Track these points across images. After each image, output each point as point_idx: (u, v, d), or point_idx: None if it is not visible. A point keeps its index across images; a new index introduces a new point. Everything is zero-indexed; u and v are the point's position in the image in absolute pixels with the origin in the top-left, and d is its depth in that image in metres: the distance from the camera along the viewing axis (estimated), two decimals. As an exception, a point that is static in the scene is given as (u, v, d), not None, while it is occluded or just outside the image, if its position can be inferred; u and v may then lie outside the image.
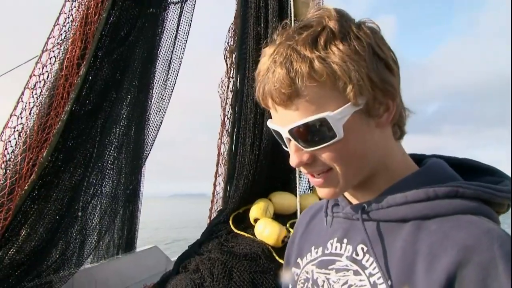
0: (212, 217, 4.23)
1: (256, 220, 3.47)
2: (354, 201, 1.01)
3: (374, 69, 0.87)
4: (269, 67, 0.88)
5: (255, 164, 3.64)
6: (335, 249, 1.00)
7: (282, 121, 0.90)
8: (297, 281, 1.09)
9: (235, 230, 3.43)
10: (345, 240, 0.99)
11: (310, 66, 0.84)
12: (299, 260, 1.12)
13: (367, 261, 0.92)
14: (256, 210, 3.49)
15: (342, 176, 0.92)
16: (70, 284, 3.66)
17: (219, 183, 4.54)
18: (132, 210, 4.99)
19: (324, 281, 0.98)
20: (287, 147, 0.95)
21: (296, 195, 3.44)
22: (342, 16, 0.89)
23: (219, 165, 4.59)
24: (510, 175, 0.98)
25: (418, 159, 1.02)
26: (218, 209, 4.31)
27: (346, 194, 1.03)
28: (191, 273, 3.09)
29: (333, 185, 0.93)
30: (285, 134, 0.90)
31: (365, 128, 0.90)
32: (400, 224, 0.91)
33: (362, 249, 0.94)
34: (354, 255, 0.95)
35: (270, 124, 0.97)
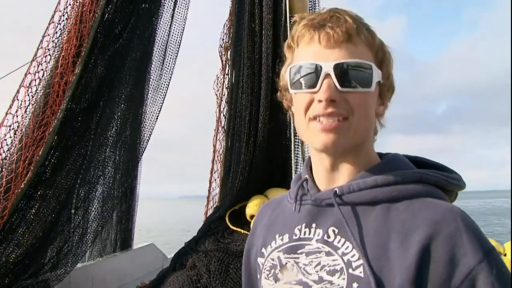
0: (208, 214, 4.24)
1: (252, 217, 3.47)
2: (325, 188, 1.07)
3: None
4: (334, 15, 0.99)
5: (251, 161, 3.65)
6: (304, 234, 1.05)
7: (328, 57, 0.97)
8: (262, 270, 1.13)
9: (231, 227, 3.44)
10: (313, 225, 1.04)
11: (368, 31, 1.00)
12: (263, 249, 1.16)
13: (338, 242, 0.98)
14: (252, 206, 3.50)
15: (354, 129, 0.98)
16: (66, 282, 3.67)
17: (215, 180, 4.55)
18: (128, 207, 5.00)
19: (293, 265, 1.03)
20: (312, 87, 0.98)
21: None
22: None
23: (214, 162, 4.59)
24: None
25: (378, 155, 1.12)
26: (214, 205, 4.32)
27: (318, 181, 1.09)
28: (188, 270, 3.10)
29: (342, 134, 0.98)
30: (328, 68, 0.96)
31: (375, 101, 1.03)
32: (370, 206, 0.99)
33: (333, 231, 1.00)
34: (325, 238, 1.00)
35: (305, 61, 1.00)
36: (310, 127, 0.99)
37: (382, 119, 1.08)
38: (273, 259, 1.09)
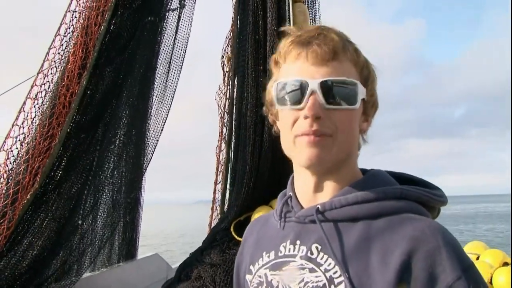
0: (213, 225, 4.24)
1: (257, 227, 3.46)
2: (307, 205, 1.09)
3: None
4: (321, 32, 1.01)
5: (256, 171, 3.65)
6: (289, 251, 1.06)
7: (314, 74, 0.99)
8: (250, 286, 1.15)
9: (237, 237, 3.43)
10: (298, 242, 1.06)
11: (354, 48, 1.03)
12: (251, 267, 1.17)
13: (321, 258, 0.99)
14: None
15: (338, 145, 1.00)
16: None
17: (219, 191, 4.55)
18: (133, 218, 5.00)
19: (278, 282, 1.04)
20: (298, 103, 1.00)
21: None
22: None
23: (218, 173, 4.59)
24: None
25: (361, 171, 1.13)
26: (218, 216, 4.32)
27: (301, 199, 1.11)
28: (193, 281, 3.09)
29: (326, 149, 0.99)
30: (314, 85, 0.97)
31: (359, 118, 1.05)
32: (352, 223, 1.00)
33: (317, 248, 1.01)
34: (308, 254, 1.01)
35: (292, 78, 1.02)
36: (296, 143, 1.01)
37: (366, 135, 1.11)
38: (260, 276, 1.11)
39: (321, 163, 1.02)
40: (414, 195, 1.01)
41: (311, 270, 0.99)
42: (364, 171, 1.12)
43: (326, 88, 0.97)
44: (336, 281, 0.94)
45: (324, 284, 0.95)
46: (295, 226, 1.09)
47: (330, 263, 0.97)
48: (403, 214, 0.97)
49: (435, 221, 0.97)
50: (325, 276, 0.96)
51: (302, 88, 0.99)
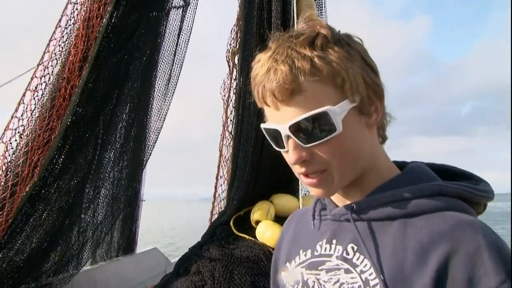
0: (213, 220, 4.22)
1: (257, 222, 3.45)
2: (342, 203, 1.05)
3: (365, 71, 0.95)
4: (270, 67, 0.92)
5: (257, 166, 3.63)
6: (325, 250, 1.04)
7: (282, 118, 0.93)
8: (285, 284, 1.13)
9: (236, 232, 3.41)
10: (334, 241, 1.03)
11: (311, 63, 0.89)
12: (287, 264, 1.15)
13: (357, 259, 0.96)
14: (257, 212, 3.47)
15: (337, 174, 0.95)
16: (70, 286, 3.66)
17: (221, 185, 4.53)
18: (132, 211, 5.00)
19: (314, 282, 1.02)
20: (282, 147, 0.98)
21: (297, 197, 3.43)
22: (331, 27, 0.97)
23: (220, 167, 4.57)
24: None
25: (399, 165, 1.08)
26: (219, 211, 4.30)
27: (334, 196, 1.07)
28: (192, 276, 3.08)
29: (328, 185, 0.97)
30: (285, 131, 0.93)
31: (358, 125, 0.96)
32: (388, 222, 0.96)
33: (352, 248, 0.98)
34: (344, 254, 0.98)
35: (267, 125, 1.00)
36: (300, 179, 1.00)
37: (387, 120, 1.04)
38: (296, 275, 1.09)
39: (331, 194, 1.01)
40: (454, 192, 0.94)
41: (347, 271, 0.96)
42: (402, 164, 1.06)
43: (298, 129, 0.92)
44: (371, 283, 0.91)
45: (360, 286, 0.92)
46: (331, 224, 1.06)
47: (366, 264, 0.93)
48: (442, 212, 0.91)
49: (476, 219, 0.90)
50: (360, 277, 0.93)
51: (278, 136, 0.96)
